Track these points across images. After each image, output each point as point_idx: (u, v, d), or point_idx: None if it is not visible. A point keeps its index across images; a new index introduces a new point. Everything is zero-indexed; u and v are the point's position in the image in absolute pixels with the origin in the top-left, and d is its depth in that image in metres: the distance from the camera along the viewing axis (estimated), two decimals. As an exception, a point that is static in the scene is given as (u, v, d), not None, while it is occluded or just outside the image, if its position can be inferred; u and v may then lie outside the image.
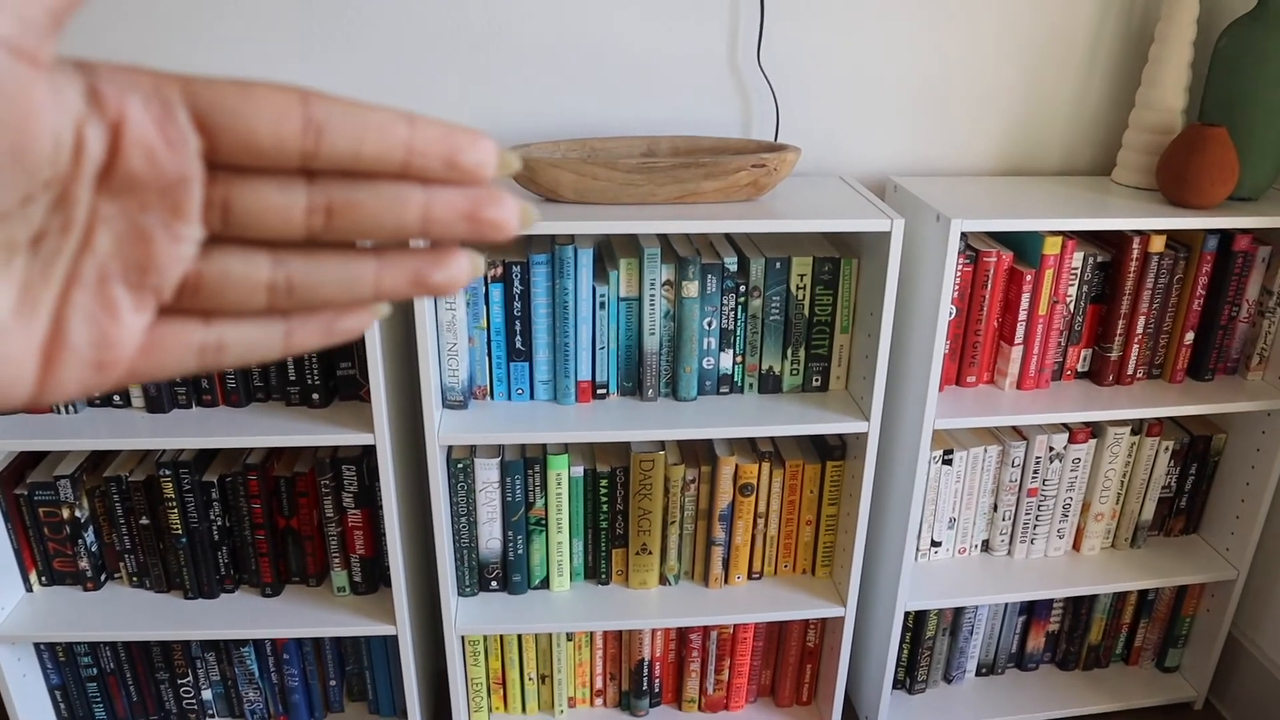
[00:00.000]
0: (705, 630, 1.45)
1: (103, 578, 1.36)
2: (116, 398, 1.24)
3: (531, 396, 1.29)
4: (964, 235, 1.31)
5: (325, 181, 0.27)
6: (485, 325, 1.25)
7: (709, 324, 1.27)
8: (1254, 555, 1.50)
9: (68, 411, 1.22)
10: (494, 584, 1.38)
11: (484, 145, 0.28)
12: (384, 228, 0.28)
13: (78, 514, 1.29)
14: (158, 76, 0.25)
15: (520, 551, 1.35)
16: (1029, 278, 1.28)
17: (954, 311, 1.30)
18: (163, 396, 1.22)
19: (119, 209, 0.25)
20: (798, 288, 1.27)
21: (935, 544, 1.44)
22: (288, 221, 0.27)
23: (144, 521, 1.31)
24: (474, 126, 0.27)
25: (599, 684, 1.50)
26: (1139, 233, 1.30)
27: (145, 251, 0.26)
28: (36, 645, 1.38)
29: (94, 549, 1.33)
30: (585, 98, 1.35)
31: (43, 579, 1.35)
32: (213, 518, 1.30)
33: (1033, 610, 1.55)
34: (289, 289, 0.28)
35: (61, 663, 1.40)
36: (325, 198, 0.27)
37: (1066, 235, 1.29)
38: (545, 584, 1.39)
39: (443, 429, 1.21)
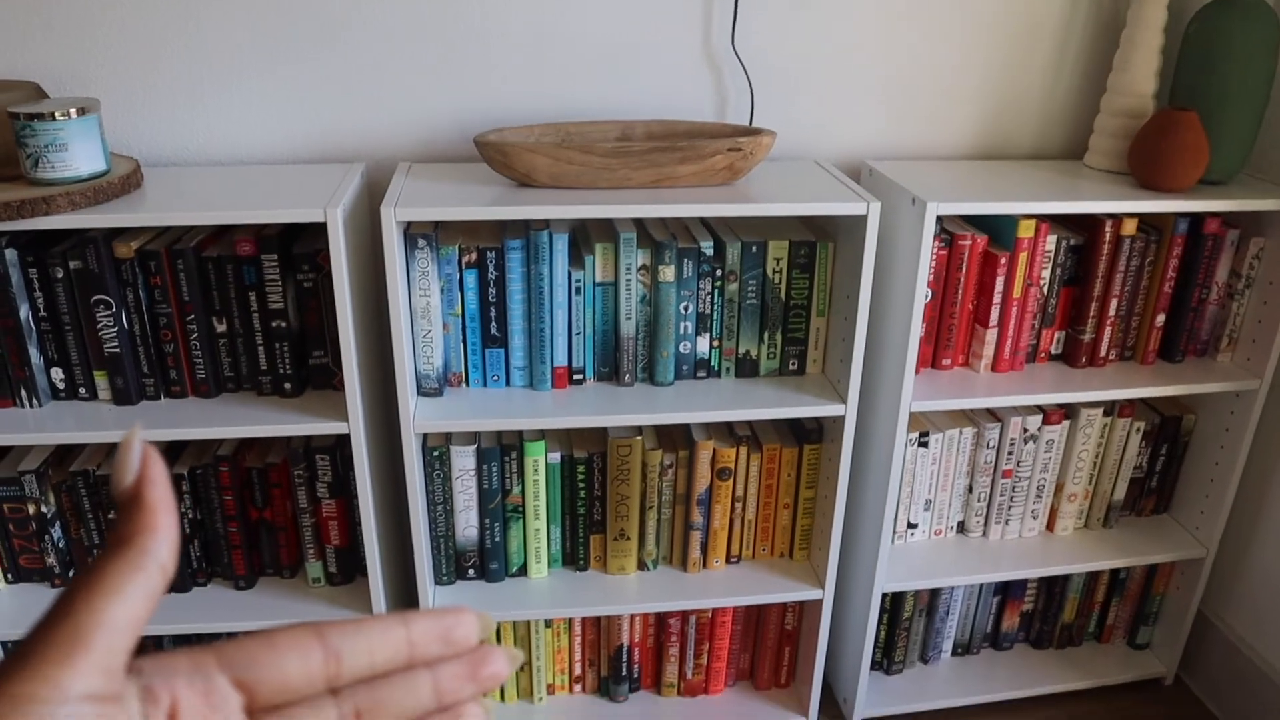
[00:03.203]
0: (684, 615, 1.45)
1: (71, 574, 1.33)
2: (82, 389, 1.21)
3: (507, 383, 1.28)
4: (939, 218, 1.31)
5: (348, 691, 0.32)
6: (460, 312, 1.23)
7: (685, 308, 1.26)
8: (1223, 534, 1.53)
9: (32, 405, 1.19)
10: (471, 572, 1.37)
11: (467, 619, 0.34)
12: (406, 713, 0.32)
13: (44, 510, 1.27)
14: (193, 654, 0.29)
15: (497, 539, 1.34)
16: (1003, 261, 1.29)
17: (929, 295, 1.30)
18: (130, 388, 1.20)
19: None
20: (774, 272, 1.27)
21: (912, 526, 1.45)
22: None
23: (112, 516, 1.28)
24: (454, 606, 0.35)
25: (578, 670, 1.50)
26: (1111, 216, 1.31)
27: None
28: (4, 644, 1.35)
29: (61, 545, 1.30)
30: (560, 82, 1.33)
31: (9, 576, 1.32)
32: (184, 510, 1.28)
33: (1007, 590, 1.57)
34: None
35: (29, 660, 1.37)
36: (352, 705, 0.31)
37: (1040, 219, 1.29)
38: (523, 571, 1.38)
39: (418, 417, 1.20)
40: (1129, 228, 1.32)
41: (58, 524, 1.29)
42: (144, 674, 0.28)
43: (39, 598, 1.30)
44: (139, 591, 0.27)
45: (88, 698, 0.25)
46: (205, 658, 0.29)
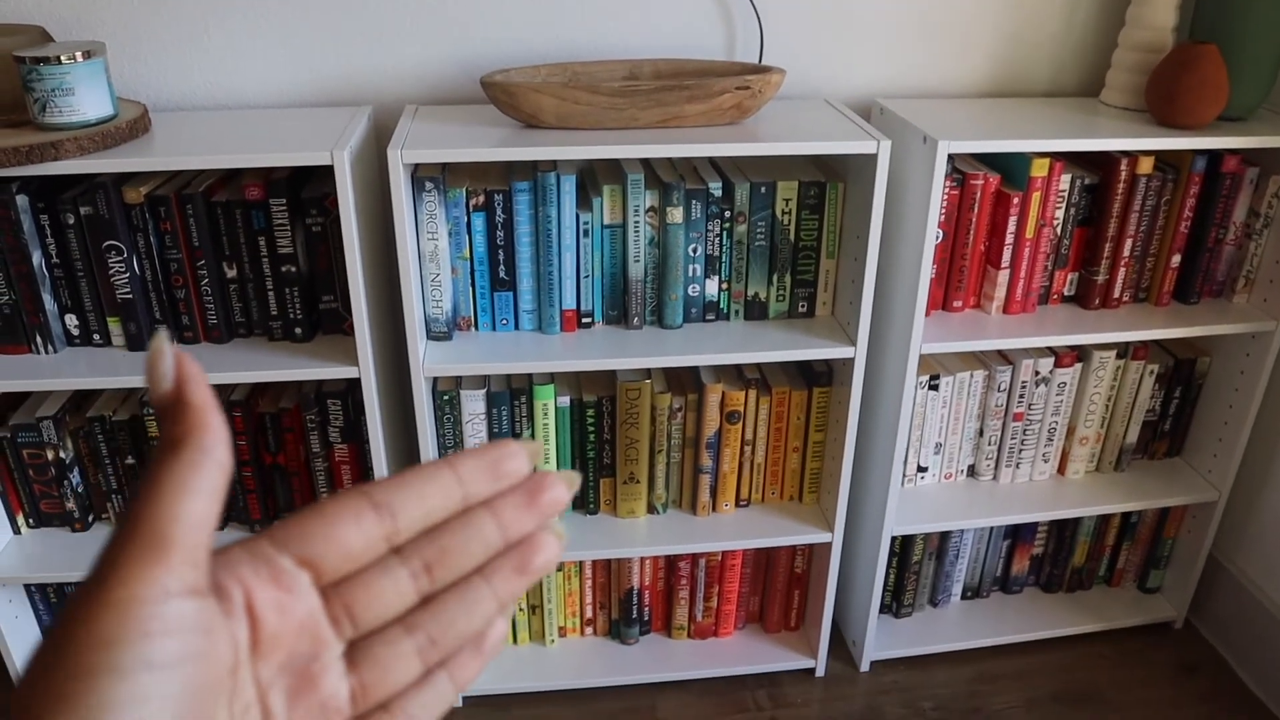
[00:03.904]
0: (694, 558, 1.46)
1: (90, 518, 1.35)
2: (96, 336, 1.22)
3: (516, 326, 1.28)
4: (951, 158, 1.30)
5: (411, 547, 0.31)
6: (468, 255, 1.23)
7: (694, 250, 1.26)
8: (1235, 477, 1.52)
9: (48, 351, 1.20)
10: (483, 516, 1.38)
11: (514, 449, 0.33)
12: (476, 556, 0.32)
13: (62, 455, 1.29)
14: (247, 544, 0.29)
15: (509, 483, 1.35)
16: (1016, 200, 1.27)
17: (940, 235, 1.29)
18: (143, 334, 1.21)
19: (273, 668, 0.28)
20: (783, 212, 1.26)
21: (921, 469, 1.45)
22: (401, 596, 0.31)
23: (130, 461, 1.30)
24: (498, 440, 0.33)
25: (589, 613, 1.52)
26: (1127, 154, 1.29)
27: (313, 691, 0.29)
28: (27, 587, 1.38)
29: (80, 490, 1.32)
30: (567, 21, 1.31)
31: (30, 521, 1.34)
32: (199, 455, 1.30)
33: (1017, 534, 1.57)
34: (432, 644, 0.31)
35: (53, 603, 1.40)
36: (420, 560, 0.31)
37: (1054, 157, 1.27)
38: (534, 515, 1.39)
39: (427, 361, 1.21)
40: (1145, 166, 1.30)
41: (76, 469, 1.31)
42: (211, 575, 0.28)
43: (61, 541, 1.32)
44: (205, 488, 0.27)
45: (187, 592, 0.25)
46: (260, 544, 0.29)
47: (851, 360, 1.28)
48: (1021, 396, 1.41)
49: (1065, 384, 1.42)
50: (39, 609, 1.40)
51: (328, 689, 0.29)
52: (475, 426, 1.30)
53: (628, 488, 1.37)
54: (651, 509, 1.41)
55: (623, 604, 1.50)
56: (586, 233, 1.23)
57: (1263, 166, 1.34)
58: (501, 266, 1.24)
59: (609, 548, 1.35)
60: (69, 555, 1.30)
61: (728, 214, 1.25)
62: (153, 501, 0.26)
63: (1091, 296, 1.36)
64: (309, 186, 1.21)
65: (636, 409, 1.31)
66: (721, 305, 1.30)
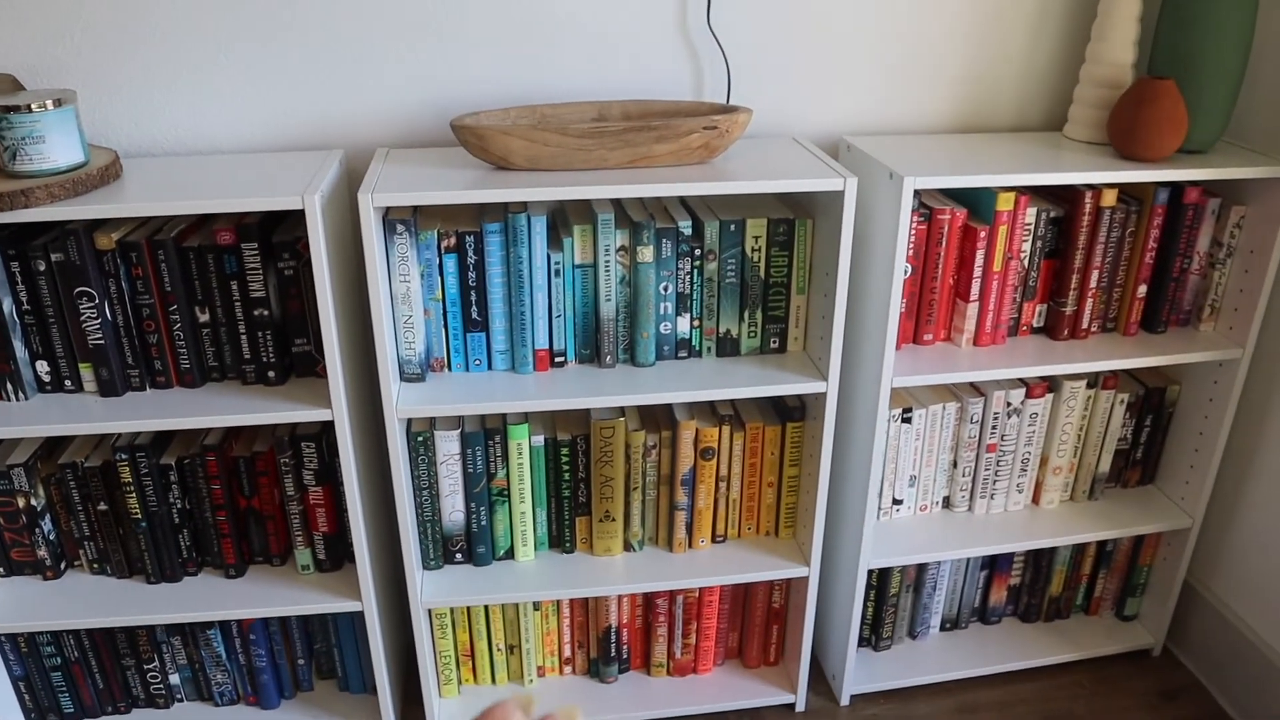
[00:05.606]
0: (671, 595, 1.46)
1: (62, 566, 1.34)
2: (68, 382, 1.21)
3: (489, 367, 1.28)
4: (917, 193, 1.31)
5: None
6: (440, 297, 1.24)
7: (665, 289, 1.26)
8: (1208, 504, 1.53)
9: (19, 398, 1.20)
10: (459, 556, 1.37)
11: (507, 712, 0.35)
12: None
13: (33, 502, 1.27)
14: None
15: (484, 523, 1.35)
16: (983, 234, 1.29)
17: (909, 270, 1.30)
18: (115, 379, 1.20)
19: None
20: (753, 250, 1.27)
21: (897, 502, 1.46)
22: None
23: (102, 507, 1.29)
24: (491, 710, 0.36)
25: (567, 652, 1.51)
26: (1091, 187, 1.31)
27: None
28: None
29: (52, 537, 1.31)
30: (536, 64, 1.33)
31: (1, 570, 1.33)
32: (172, 501, 1.29)
33: (994, 564, 1.58)
34: None
35: (24, 653, 1.38)
36: None
37: (1019, 191, 1.29)
38: (510, 554, 1.39)
39: (401, 402, 1.21)
40: (1109, 198, 1.32)
41: (48, 516, 1.30)
42: None
43: (32, 591, 1.31)
44: None
45: None
46: None
47: (824, 395, 1.28)
48: (994, 428, 1.43)
49: (1037, 414, 1.43)
50: (9, 660, 1.38)
51: None
52: (450, 467, 1.30)
53: (604, 526, 1.37)
54: (628, 546, 1.41)
55: (601, 642, 1.49)
56: (558, 273, 1.24)
57: (1224, 197, 1.37)
58: (474, 307, 1.24)
59: (586, 586, 1.35)
60: (41, 605, 1.28)
61: (698, 252, 1.26)
62: None
63: (1060, 327, 1.38)
64: (280, 230, 1.21)
65: (611, 447, 1.32)
66: (694, 342, 1.31)
